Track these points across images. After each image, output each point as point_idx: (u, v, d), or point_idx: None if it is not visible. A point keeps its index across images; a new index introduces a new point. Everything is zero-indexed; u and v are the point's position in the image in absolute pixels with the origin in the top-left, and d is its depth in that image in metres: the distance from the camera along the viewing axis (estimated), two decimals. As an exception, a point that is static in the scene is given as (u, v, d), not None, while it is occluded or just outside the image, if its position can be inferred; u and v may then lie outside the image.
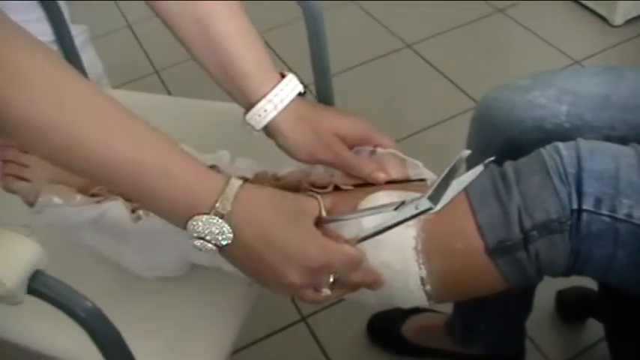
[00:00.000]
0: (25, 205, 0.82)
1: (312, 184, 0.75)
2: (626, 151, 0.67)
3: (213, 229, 0.61)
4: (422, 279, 0.67)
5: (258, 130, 0.77)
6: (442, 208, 0.62)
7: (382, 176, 0.74)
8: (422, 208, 0.63)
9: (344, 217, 0.68)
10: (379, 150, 0.77)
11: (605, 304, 0.88)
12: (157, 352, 0.75)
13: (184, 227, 0.62)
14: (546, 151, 0.68)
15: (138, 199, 0.65)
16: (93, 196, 0.76)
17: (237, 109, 0.82)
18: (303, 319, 1.38)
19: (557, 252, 0.65)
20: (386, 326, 1.31)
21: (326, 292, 0.67)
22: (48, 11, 1.16)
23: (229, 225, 0.61)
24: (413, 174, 0.76)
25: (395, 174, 0.76)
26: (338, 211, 0.69)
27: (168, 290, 0.83)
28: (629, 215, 0.63)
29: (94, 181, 0.69)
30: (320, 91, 1.03)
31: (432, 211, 0.62)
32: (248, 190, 0.63)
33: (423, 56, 2.09)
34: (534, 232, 0.65)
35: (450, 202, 0.62)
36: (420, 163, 0.76)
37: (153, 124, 0.83)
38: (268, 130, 0.78)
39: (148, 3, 0.79)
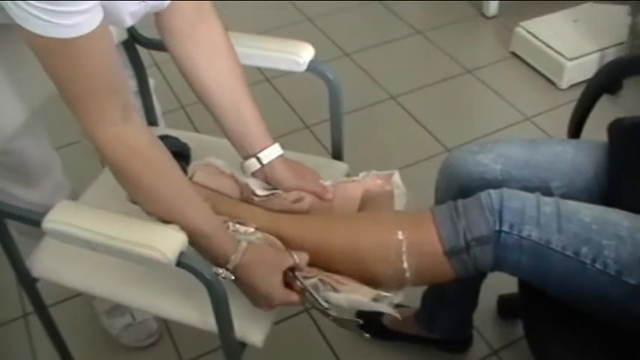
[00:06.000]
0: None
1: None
2: (531, 197, 1.06)
3: (224, 274, 1.05)
4: (404, 269, 1.09)
5: (262, 165, 1.22)
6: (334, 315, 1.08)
7: (329, 196, 1.23)
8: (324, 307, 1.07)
9: (302, 283, 1.09)
10: (362, 174, 1.26)
11: (521, 295, 1.27)
12: (236, 311, 1.10)
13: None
14: (483, 195, 1.07)
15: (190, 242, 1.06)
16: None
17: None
18: (307, 309, 1.77)
19: (486, 256, 1.05)
20: (370, 316, 1.70)
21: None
22: (136, 69, 1.55)
23: (232, 274, 1.06)
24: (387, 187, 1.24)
25: (372, 187, 1.24)
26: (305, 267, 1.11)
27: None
28: (529, 235, 1.02)
29: None
30: (334, 131, 1.47)
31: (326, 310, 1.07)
32: (247, 255, 1.06)
33: (404, 107, 2.45)
34: (473, 243, 1.04)
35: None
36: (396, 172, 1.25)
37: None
38: (265, 167, 1.22)
39: (194, 91, 1.24)
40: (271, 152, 1.23)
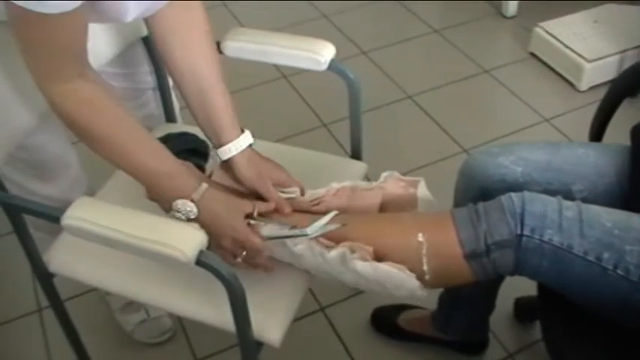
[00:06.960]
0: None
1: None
2: (553, 201, 1.06)
3: (187, 207, 1.08)
4: (424, 271, 1.08)
5: (222, 160, 1.22)
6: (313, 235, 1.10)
7: (287, 210, 1.18)
8: (300, 233, 1.10)
9: (259, 222, 1.14)
10: (384, 174, 1.24)
11: (539, 298, 1.26)
12: (253, 310, 1.10)
13: (171, 203, 1.09)
14: (504, 198, 1.07)
15: (149, 186, 1.13)
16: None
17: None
18: (322, 309, 1.77)
19: (506, 260, 1.04)
20: (385, 317, 1.70)
21: (239, 260, 1.13)
22: (154, 66, 1.55)
23: (196, 207, 1.08)
24: (411, 190, 1.23)
25: (394, 190, 1.22)
26: (266, 215, 1.16)
27: (251, 276, 1.19)
28: (551, 240, 1.02)
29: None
30: (353, 131, 1.46)
31: (305, 237, 1.10)
32: (211, 190, 1.10)
33: (421, 106, 2.45)
34: (493, 247, 1.03)
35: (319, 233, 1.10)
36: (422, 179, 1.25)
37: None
38: (228, 162, 1.22)
39: (167, 69, 1.24)
40: (233, 147, 1.21)
